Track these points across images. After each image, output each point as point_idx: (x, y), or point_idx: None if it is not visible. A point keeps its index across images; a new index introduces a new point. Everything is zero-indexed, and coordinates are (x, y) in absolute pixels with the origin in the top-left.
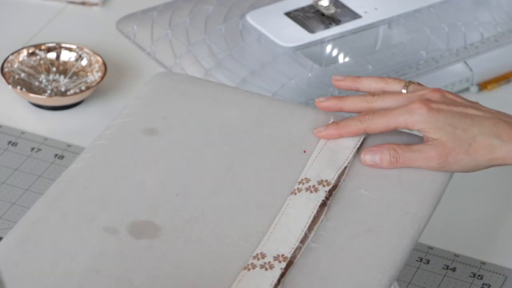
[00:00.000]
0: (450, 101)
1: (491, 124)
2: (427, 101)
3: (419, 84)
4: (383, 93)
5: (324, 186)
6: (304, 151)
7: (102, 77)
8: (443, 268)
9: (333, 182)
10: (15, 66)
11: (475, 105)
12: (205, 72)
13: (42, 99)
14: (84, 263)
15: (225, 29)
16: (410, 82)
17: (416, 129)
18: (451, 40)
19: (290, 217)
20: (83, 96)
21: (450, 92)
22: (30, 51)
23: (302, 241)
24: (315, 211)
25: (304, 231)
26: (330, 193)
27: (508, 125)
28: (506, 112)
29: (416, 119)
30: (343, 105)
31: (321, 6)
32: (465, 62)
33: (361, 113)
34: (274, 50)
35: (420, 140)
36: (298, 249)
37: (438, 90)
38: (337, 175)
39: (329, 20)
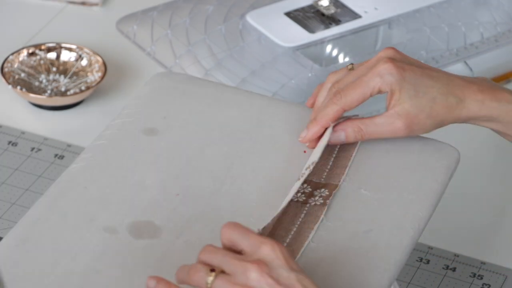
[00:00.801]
0: (405, 58)
1: (447, 82)
2: (390, 59)
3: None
4: (339, 81)
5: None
6: (304, 151)
7: (102, 77)
8: (443, 268)
9: (336, 182)
10: (15, 66)
11: (424, 64)
12: (205, 72)
13: (42, 99)
14: (84, 263)
15: (225, 29)
16: (352, 64)
17: (388, 90)
18: (451, 40)
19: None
20: (83, 96)
21: (400, 52)
22: (30, 51)
23: (302, 241)
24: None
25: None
26: (330, 192)
27: (462, 81)
28: None
29: (388, 79)
30: (322, 122)
31: (321, 6)
32: (465, 62)
33: (331, 95)
34: (274, 50)
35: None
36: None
37: (390, 48)
38: (341, 175)
39: (329, 20)
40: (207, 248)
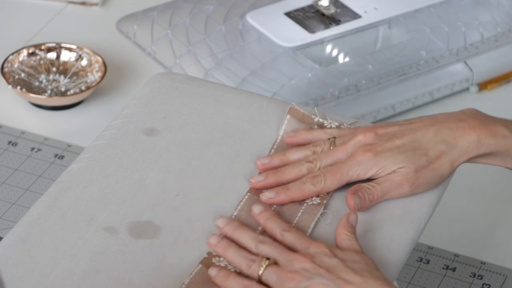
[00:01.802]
0: (386, 136)
1: (432, 133)
2: (368, 146)
3: (340, 127)
4: (324, 171)
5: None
6: None
7: (102, 77)
8: (443, 268)
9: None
10: (15, 66)
11: (407, 122)
12: (205, 72)
13: (42, 99)
14: (84, 263)
15: (225, 29)
16: (334, 138)
17: (370, 175)
18: (451, 40)
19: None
20: (83, 96)
21: (379, 125)
22: (30, 51)
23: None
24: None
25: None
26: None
27: (446, 127)
28: (505, 117)
29: (366, 167)
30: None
31: (321, 6)
32: (465, 62)
33: (310, 175)
34: (274, 50)
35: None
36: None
37: (368, 130)
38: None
39: (329, 20)
40: (266, 240)
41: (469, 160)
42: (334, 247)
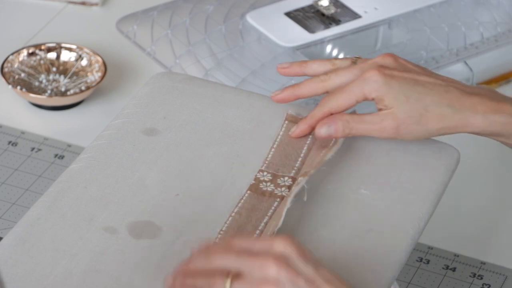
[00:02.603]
0: (403, 67)
1: (443, 91)
2: (380, 67)
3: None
4: (337, 69)
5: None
6: None
7: (102, 77)
8: (443, 268)
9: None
10: (15, 66)
11: (427, 72)
12: (205, 72)
13: (42, 99)
14: (84, 263)
15: (225, 29)
16: (357, 58)
17: (372, 97)
18: (451, 40)
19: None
20: (83, 96)
21: (402, 58)
22: (30, 51)
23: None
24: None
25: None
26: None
27: (460, 91)
28: None
29: (371, 87)
30: (299, 92)
31: (321, 6)
32: (465, 62)
33: (322, 98)
34: (274, 50)
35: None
36: None
37: (390, 54)
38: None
39: (329, 20)
40: (218, 248)
41: (471, 132)
42: (299, 245)
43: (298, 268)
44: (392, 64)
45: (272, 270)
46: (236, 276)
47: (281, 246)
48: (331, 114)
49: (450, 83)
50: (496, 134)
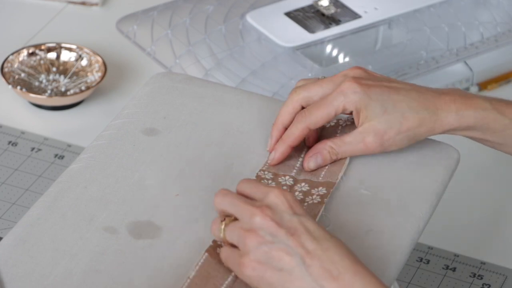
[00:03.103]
0: (373, 77)
1: (416, 96)
2: (355, 79)
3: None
4: (306, 85)
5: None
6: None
7: (102, 77)
8: (443, 268)
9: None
10: (15, 66)
11: (394, 80)
12: (205, 72)
13: (42, 99)
14: (84, 263)
15: (225, 29)
16: (322, 77)
17: (351, 110)
18: (451, 40)
19: None
20: (83, 96)
21: (368, 69)
22: (30, 51)
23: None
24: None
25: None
26: (328, 191)
27: (431, 93)
28: None
29: (351, 98)
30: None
31: (321, 6)
32: (465, 62)
33: (297, 115)
34: (274, 50)
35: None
36: None
37: (357, 67)
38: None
39: (329, 20)
40: (221, 192)
41: (448, 131)
42: (291, 198)
43: (282, 219)
44: (363, 75)
45: (257, 219)
46: (234, 220)
47: (272, 196)
48: (310, 128)
49: (419, 87)
50: (471, 128)
